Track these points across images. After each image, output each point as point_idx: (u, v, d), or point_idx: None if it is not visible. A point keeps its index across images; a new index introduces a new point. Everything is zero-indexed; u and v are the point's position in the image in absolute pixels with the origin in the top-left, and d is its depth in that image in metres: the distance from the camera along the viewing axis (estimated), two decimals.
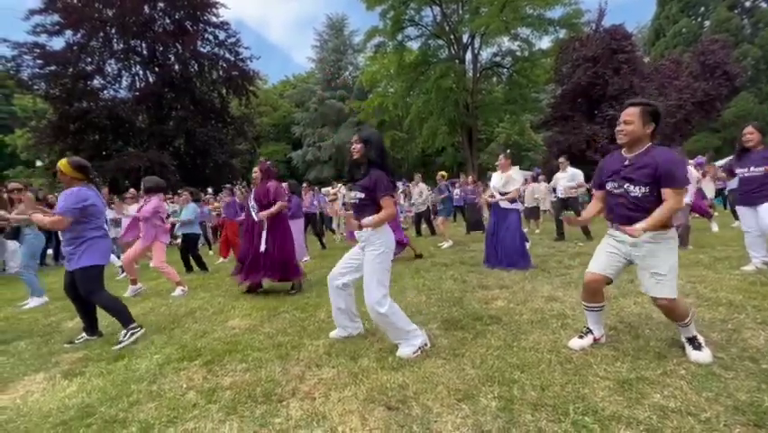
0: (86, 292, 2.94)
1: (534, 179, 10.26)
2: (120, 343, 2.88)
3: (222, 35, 20.68)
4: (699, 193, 7.06)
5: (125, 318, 3.02)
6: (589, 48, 18.32)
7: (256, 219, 4.27)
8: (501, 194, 5.02)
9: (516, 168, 5.30)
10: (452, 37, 21.27)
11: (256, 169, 4.49)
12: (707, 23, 27.26)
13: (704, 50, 18.57)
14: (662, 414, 1.61)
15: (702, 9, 27.82)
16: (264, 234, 4.20)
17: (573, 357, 2.17)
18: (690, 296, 3.17)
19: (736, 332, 2.39)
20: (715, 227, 7.14)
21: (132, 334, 2.95)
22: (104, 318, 3.67)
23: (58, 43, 17.85)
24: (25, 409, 2.04)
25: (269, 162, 4.72)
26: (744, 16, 26.75)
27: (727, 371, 1.92)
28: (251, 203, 4.36)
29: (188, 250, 6.41)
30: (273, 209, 4.22)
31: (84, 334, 3.13)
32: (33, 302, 4.57)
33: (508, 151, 5.67)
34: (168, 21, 19.89)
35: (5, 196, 4.76)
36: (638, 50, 20.78)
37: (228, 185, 8.30)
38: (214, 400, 1.97)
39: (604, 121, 17.74)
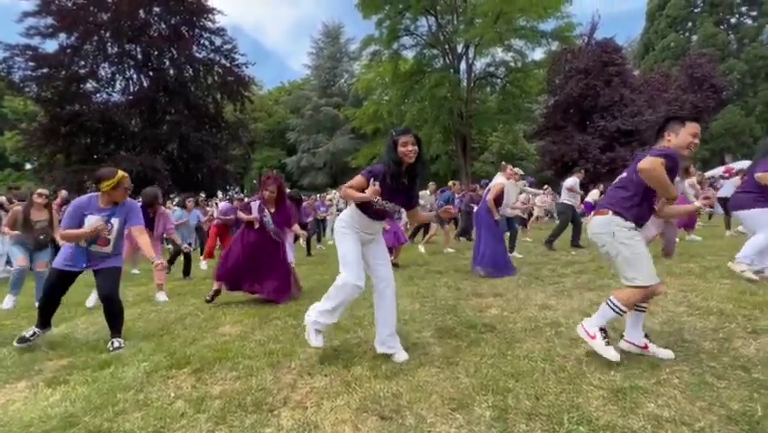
0: (115, 291, 2.98)
1: (530, 186, 10.48)
2: (117, 349, 2.83)
3: (218, 41, 20.75)
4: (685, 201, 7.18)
5: (122, 326, 3.02)
6: (580, 60, 18.71)
7: (277, 238, 4.19)
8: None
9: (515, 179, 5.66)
10: (446, 47, 21.55)
11: (271, 187, 4.13)
12: (694, 37, 28.00)
13: (692, 63, 19.08)
14: (657, 423, 1.61)
15: (690, 24, 28.59)
16: (288, 249, 4.29)
17: (567, 366, 2.16)
18: (681, 305, 3.19)
19: (727, 341, 2.40)
20: (692, 237, 7.25)
21: (124, 342, 2.93)
22: (90, 325, 3.61)
23: (51, 46, 17.79)
24: (5, 419, 1.96)
25: (282, 176, 4.69)
26: (729, 32, 27.54)
27: (720, 380, 1.93)
28: (271, 226, 4.12)
29: (178, 254, 6.35)
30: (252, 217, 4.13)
31: (37, 329, 3.03)
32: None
33: (510, 166, 5.84)
34: (163, 26, 19.89)
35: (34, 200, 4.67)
36: (628, 63, 21.24)
37: (240, 195, 8.27)
38: (203, 409, 1.92)
39: (595, 131, 18.05)
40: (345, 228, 2.41)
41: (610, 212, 2.20)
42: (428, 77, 21.12)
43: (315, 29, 65.71)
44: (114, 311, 2.98)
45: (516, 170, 6.63)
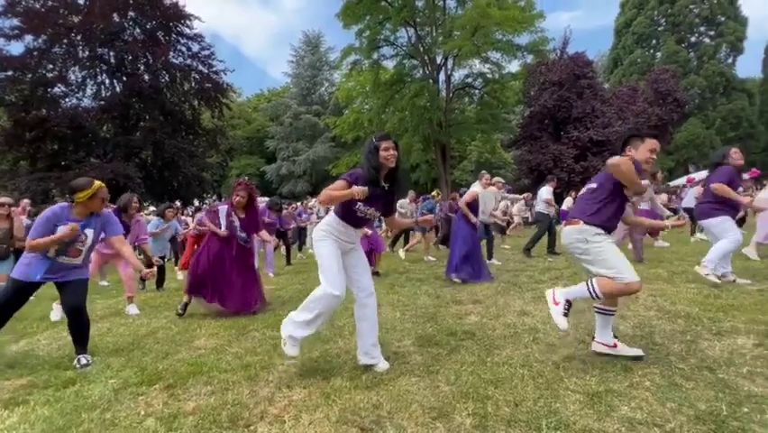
0: (83, 302, 2.84)
1: (510, 193, 10.77)
2: (85, 366, 2.69)
3: (195, 47, 20.34)
4: (651, 213, 7.50)
5: (88, 341, 2.87)
6: (554, 72, 19.40)
7: (246, 245, 4.15)
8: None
9: (493, 188, 5.86)
10: (426, 58, 21.91)
11: (242, 193, 4.07)
12: (658, 54, 29.58)
13: (656, 78, 20.10)
14: (630, 426, 1.65)
15: (654, 42, 30.23)
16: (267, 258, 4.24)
17: (545, 371, 2.20)
18: (651, 309, 3.31)
19: (694, 343, 2.51)
20: (660, 243, 7.57)
21: (91, 359, 2.78)
22: (54, 341, 3.41)
23: (16, 48, 17.11)
24: None
25: (254, 184, 4.61)
26: (690, 50, 29.26)
27: (688, 381, 2.00)
28: (239, 231, 4.06)
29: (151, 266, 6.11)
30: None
31: None
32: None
33: (488, 174, 5.95)
34: (138, 30, 19.40)
35: None
36: (599, 77, 22.19)
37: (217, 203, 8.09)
38: (176, 427, 1.84)
39: (569, 141, 18.69)
40: (324, 236, 2.37)
41: (581, 221, 2.29)
42: (408, 86, 21.37)
43: (295, 37, 65.74)
44: (81, 324, 2.83)
45: (498, 179, 6.82)
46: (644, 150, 2.29)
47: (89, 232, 2.84)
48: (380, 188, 2.33)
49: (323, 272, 2.29)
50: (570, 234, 2.34)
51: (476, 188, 5.57)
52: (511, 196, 9.25)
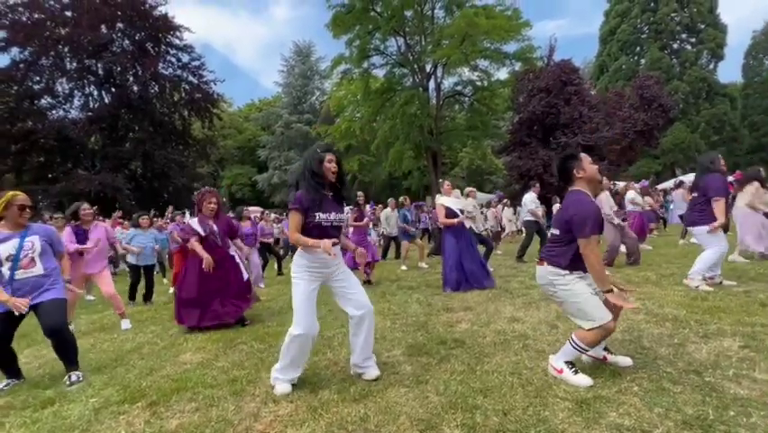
0: (62, 324, 2.74)
1: (500, 201, 10.82)
2: (75, 383, 2.64)
3: (185, 58, 20.38)
4: (642, 216, 7.59)
5: (77, 358, 2.80)
6: (542, 79, 19.69)
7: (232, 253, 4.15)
8: (462, 213, 5.27)
9: (457, 191, 5.81)
10: (415, 66, 22.15)
11: (214, 199, 4.11)
12: (643, 61, 30.25)
13: (641, 84, 20.50)
14: (618, 432, 1.64)
15: (638, 49, 30.93)
16: (240, 265, 4.17)
17: (534, 379, 2.19)
18: (640, 313, 3.32)
19: (681, 346, 2.52)
20: (644, 246, 7.66)
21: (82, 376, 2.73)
22: (34, 359, 3.32)
23: (2, 60, 16.98)
24: None
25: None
26: (672, 56, 29.98)
27: (675, 385, 2.00)
28: (218, 236, 4.02)
29: (138, 280, 6.01)
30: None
31: (8, 380, 2.77)
32: None
33: (447, 181, 5.83)
34: (127, 42, 19.38)
35: None
36: (585, 83, 22.58)
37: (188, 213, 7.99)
38: None
39: (558, 147, 18.92)
40: (298, 274, 2.32)
41: (545, 262, 2.27)
42: (399, 95, 21.56)
43: (285, 47, 66.09)
44: (65, 344, 2.75)
45: (471, 189, 6.93)
46: (587, 164, 2.27)
47: (34, 239, 2.74)
48: (326, 195, 2.32)
49: (295, 314, 2.27)
50: (538, 276, 2.33)
51: (439, 200, 5.44)
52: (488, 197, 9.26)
